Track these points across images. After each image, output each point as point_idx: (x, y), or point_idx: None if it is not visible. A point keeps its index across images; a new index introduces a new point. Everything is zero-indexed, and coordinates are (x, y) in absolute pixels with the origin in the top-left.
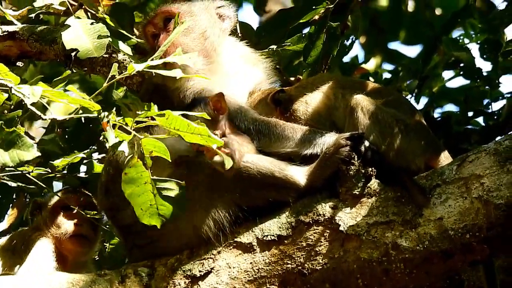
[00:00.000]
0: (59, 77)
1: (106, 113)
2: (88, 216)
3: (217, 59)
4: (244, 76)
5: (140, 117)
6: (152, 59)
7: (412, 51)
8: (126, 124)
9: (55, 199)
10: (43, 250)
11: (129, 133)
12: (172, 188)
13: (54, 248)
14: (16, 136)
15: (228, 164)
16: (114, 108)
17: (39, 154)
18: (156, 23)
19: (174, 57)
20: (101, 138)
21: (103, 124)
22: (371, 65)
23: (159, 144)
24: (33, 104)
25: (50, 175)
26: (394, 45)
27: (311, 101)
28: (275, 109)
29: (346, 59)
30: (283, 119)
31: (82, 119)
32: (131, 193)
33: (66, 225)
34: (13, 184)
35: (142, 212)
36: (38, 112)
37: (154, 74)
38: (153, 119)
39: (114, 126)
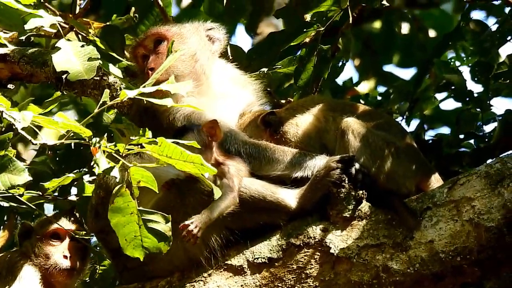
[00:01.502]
0: (50, 99)
1: (97, 139)
2: (77, 237)
3: (206, 81)
4: (234, 98)
5: (132, 143)
6: (145, 86)
7: (405, 73)
8: (118, 151)
9: (45, 226)
10: (30, 278)
11: (118, 160)
12: (158, 221)
13: (41, 276)
14: (7, 160)
15: (217, 194)
16: (105, 134)
17: (31, 178)
18: (146, 45)
19: (167, 85)
20: (92, 163)
21: (93, 150)
22: (364, 87)
23: (147, 174)
24: (23, 128)
25: (41, 200)
26: (389, 68)
27: (301, 123)
28: (264, 131)
29: (338, 81)
30: (273, 141)
31: (72, 144)
32: (116, 223)
33: (55, 256)
34: (5, 204)
35: (126, 243)
36: (29, 137)
37: (145, 102)
38: (142, 146)
39: (103, 152)
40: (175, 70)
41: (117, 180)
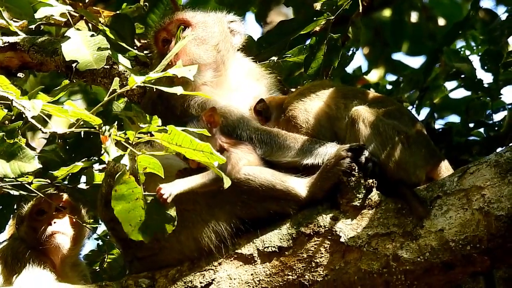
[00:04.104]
0: (58, 87)
1: (107, 127)
2: (62, 215)
3: (224, 73)
4: (248, 91)
5: (142, 131)
6: (154, 72)
7: (415, 62)
8: (128, 139)
9: (30, 207)
10: (34, 263)
11: (126, 148)
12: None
13: (41, 257)
14: (17, 147)
15: (227, 183)
16: (116, 122)
17: (40, 166)
18: (170, 29)
19: (174, 69)
20: (102, 151)
21: (102, 138)
22: (374, 76)
23: (154, 161)
24: (33, 117)
25: (50, 188)
26: (398, 56)
27: (311, 110)
28: (259, 119)
29: (348, 70)
30: (283, 127)
31: (82, 133)
32: (120, 210)
33: (41, 227)
34: (15, 193)
35: (131, 228)
36: (39, 125)
37: (154, 90)
38: (152, 135)
39: (114, 140)
40: (198, 59)
41: (127, 168)
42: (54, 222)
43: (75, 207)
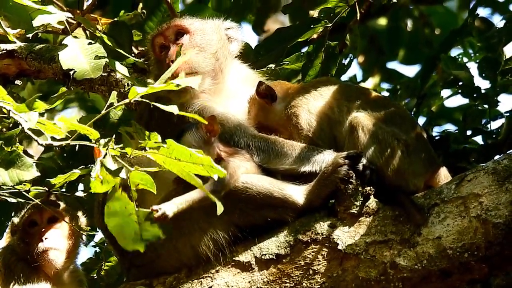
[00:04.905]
0: (55, 95)
1: (105, 140)
2: (55, 226)
3: (222, 80)
4: (245, 97)
5: (140, 146)
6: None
7: (410, 70)
8: (124, 154)
9: (23, 217)
10: (25, 274)
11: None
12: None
13: (32, 269)
14: (16, 155)
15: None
16: (114, 135)
17: (39, 174)
18: (167, 35)
19: (177, 79)
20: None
21: (95, 150)
22: (369, 84)
23: (146, 177)
24: (30, 128)
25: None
26: (393, 65)
27: (314, 111)
28: (265, 102)
29: (344, 78)
30: (283, 124)
31: (81, 136)
32: (114, 225)
33: (33, 242)
34: (13, 200)
35: (126, 241)
36: (35, 137)
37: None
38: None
39: (106, 155)
40: (198, 67)
41: (120, 182)
42: (46, 238)
43: (72, 215)
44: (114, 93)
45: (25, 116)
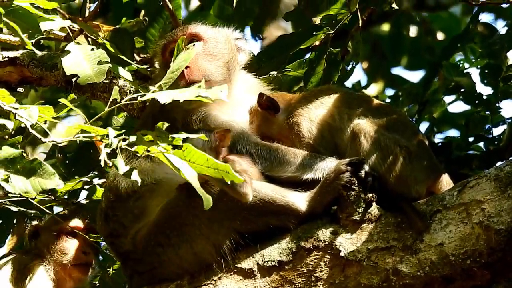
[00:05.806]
0: (61, 103)
1: (115, 140)
2: (92, 240)
3: (229, 89)
4: (249, 106)
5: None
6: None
7: (414, 76)
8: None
9: (57, 223)
10: (42, 278)
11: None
12: None
13: (54, 273)
14: (37, 164)
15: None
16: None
17: (62, 182)
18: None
19: (205, 91)
20: (110, 164)
21: (97, 143)
22: (373, 90)
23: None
24: (33, 128)
25: (52, 203)
26: (397, 71)
27: (315, 119)
28: (268, 114)
29: (347, 84)
30: (285, 132)
31: (83, 143)
32: None
33: (72, 252)
34: (14, 209)
35: None
36: (39, 136)
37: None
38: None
39: (106, 145)
40: (211, 75)
41: (139, 183)
42: (88, 253)
43: (90, 228)
44: (115, 89)
45: (25, 114)
